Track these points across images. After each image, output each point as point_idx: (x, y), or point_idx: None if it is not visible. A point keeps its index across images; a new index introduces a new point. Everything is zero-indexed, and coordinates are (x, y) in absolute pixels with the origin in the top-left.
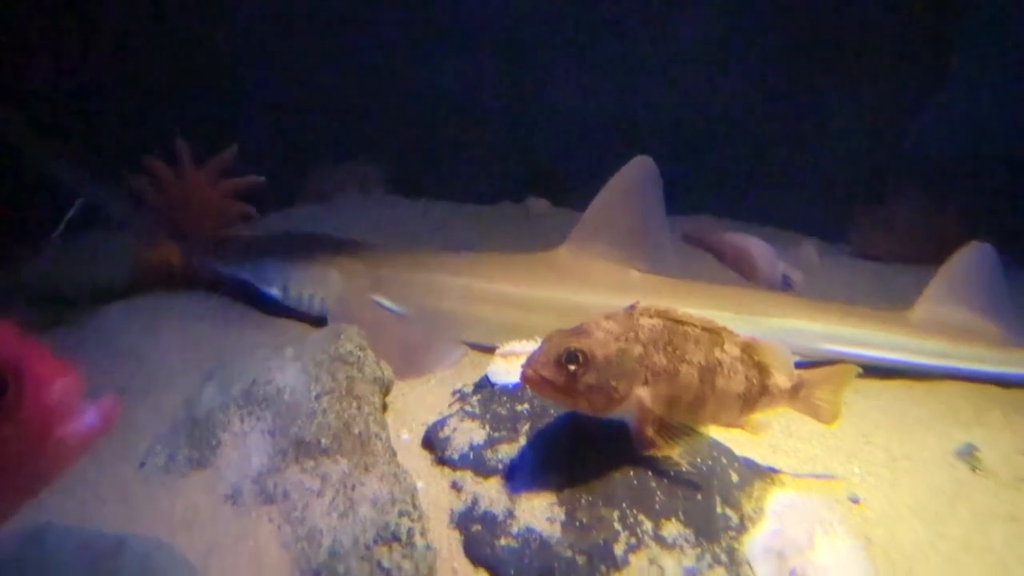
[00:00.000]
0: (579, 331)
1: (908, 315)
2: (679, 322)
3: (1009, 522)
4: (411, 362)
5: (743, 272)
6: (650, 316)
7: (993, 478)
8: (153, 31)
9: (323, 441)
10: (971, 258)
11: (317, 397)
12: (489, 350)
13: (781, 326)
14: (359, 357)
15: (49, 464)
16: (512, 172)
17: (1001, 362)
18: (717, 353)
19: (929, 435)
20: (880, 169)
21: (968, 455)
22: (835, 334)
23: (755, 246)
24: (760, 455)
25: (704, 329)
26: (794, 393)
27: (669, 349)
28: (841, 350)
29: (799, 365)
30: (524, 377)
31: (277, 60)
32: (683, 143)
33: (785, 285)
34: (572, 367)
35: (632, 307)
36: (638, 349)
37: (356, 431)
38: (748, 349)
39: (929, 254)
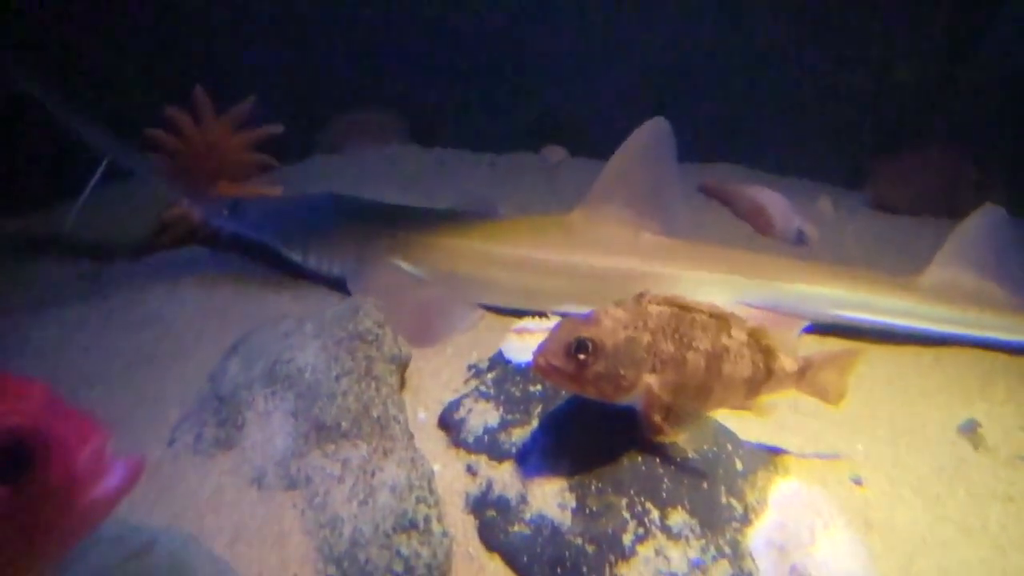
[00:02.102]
0: (588, 320)
1: (918, 280)
2: (686, 309)
3: (1006, 503)
4: (428, 327)
5: (758, 226)
6: (658, 304)
7: (993, 456)
8: None
9: (343, 425)
10: (983, 222)
11: (337, 378)
12: (504, 313)
13: (792, 291)
14: (377, 335)
15: (74, 529)
16: (529, 120)
17: (1010, 329)
18: (724, 339)
19: (933, 409)
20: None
21: (970, 431)
22: (845, 299)
23: (771, 200)
24: (766, 432)
25: (711, 315)
26: (800, 376)
27: (676, 336)
28: (851, 315)
29: (808, 330)
30: (535, 366)
31: (289, 9)
32: (702, 89)
33: (799, 240)
34: (581, 356)
35: (640, 295)
36: (646, 337)
37: (375, 414)
38: (755, 334)
39: (948, 205)
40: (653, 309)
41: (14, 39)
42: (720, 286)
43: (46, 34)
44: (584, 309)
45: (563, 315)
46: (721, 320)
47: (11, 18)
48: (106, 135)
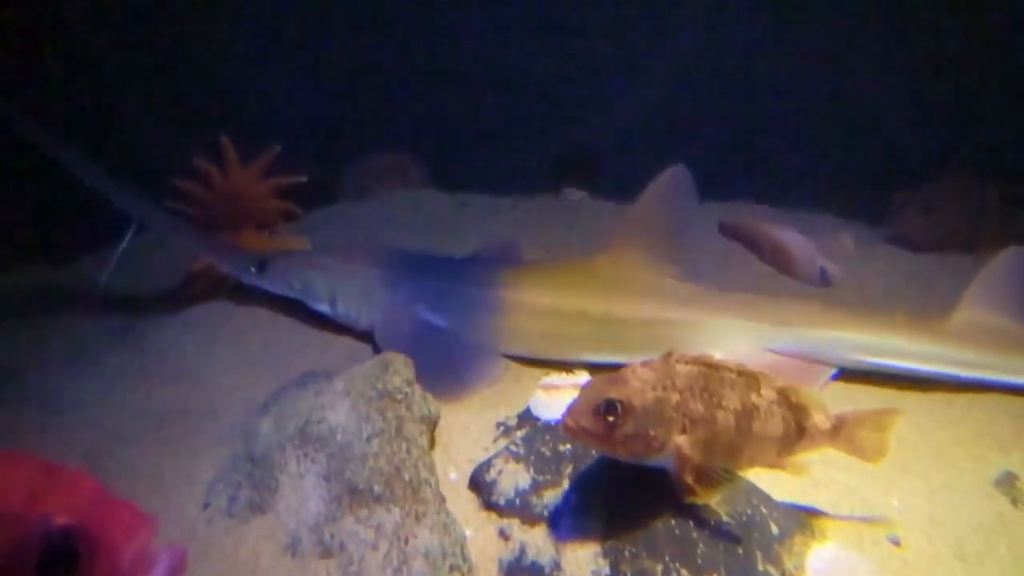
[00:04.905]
0: (616, 380)
1: (946, 324)
2: (714, 367)
3: None
4: (454, 380)
5: (781, 267)
6: (686, 363)
7: None
8: (175, 30)
9: (376, 488)
10: (1009, 262)
11: (368, 439)
12: (529, 361)
13: (818, 337)
14: (407, 393)
15: None
16: (549, 162)
17: None
18: (753, 397)
19: (968, 460)
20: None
21: (1007, 484)
22: (873, 345)
23: (793, 241)
24: (800, 488)
25: (739, 374)
26: (834, 433)
27: (705, 395)
28: (879, 361)
29: (836, 377)
30: (565, 427)
31: (310, 57)
32: (720, 129)
33: (823, 280)
34: (610, 418)
35: (668, 354)
36: (675, 397)
37: (407, 477)
38: (784, 392)
39: (973, 240)
40: (681, 368)
41: (36, 96)
42: (746, 332)
43: (64, 84)
44: (610, 355)
45: (590, 365)
46: (750, 378)
47: (32, 73)
48: (126, 191)
